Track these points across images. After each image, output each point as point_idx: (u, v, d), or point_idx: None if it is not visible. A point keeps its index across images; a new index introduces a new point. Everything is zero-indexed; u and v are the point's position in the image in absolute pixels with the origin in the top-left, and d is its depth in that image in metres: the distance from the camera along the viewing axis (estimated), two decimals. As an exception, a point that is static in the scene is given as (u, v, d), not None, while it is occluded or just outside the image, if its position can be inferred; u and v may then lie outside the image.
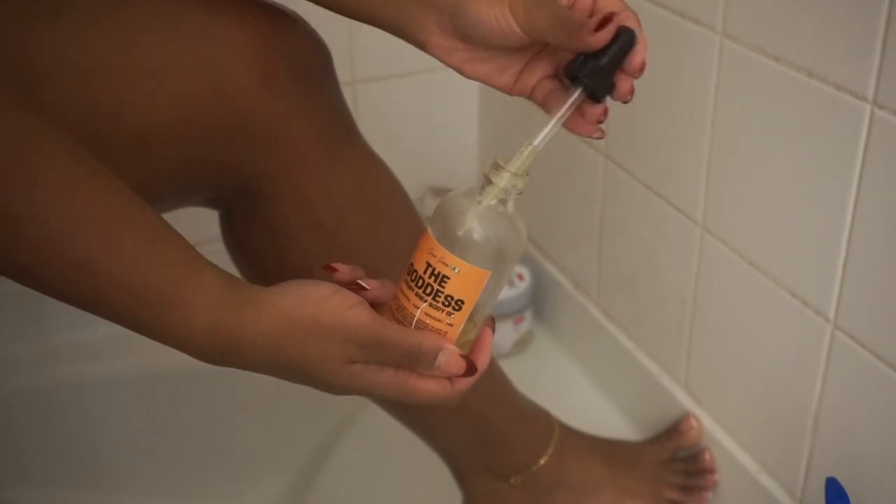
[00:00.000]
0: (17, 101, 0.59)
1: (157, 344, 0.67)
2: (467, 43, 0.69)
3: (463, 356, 0.65)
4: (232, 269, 0.87)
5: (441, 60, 0.70)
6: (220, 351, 0.63)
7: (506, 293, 1.27)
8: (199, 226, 0.99)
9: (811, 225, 0.85)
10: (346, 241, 0.82)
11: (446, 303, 0.64)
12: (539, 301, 1.34)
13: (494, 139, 1.42)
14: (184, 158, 0.74)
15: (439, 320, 0.64)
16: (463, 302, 0.64)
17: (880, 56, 0.74)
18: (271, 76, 0.75)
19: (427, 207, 1.43)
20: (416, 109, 1.39)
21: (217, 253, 0.89)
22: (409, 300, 0.64)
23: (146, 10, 0.72)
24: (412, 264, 0.64)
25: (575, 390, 1.24)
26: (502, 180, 0.63)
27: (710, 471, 1.04)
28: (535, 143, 0.64)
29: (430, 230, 0.64)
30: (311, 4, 0.79)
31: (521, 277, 1.30)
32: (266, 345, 0.63)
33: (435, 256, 0.63)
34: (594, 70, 0.64)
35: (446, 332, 0.64)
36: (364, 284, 0.67)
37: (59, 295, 0.61)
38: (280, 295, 0.63)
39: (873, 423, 0.84)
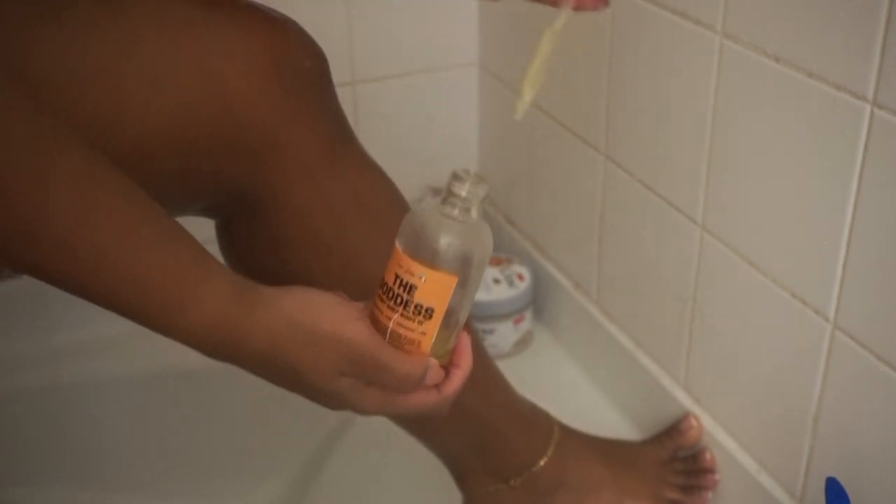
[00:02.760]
0: (30, 101, 0.60)
1: (160, 345, 0.68)
2: None
3: (442, 366, 0.69)
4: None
5: None
6: (221, 343, 0.65)
7: (506, 293, 1.27)
8: (197, 229, 0.99)
9: (811, 225, 0.85)
10: (345, 250, 0.82)
11: (417, 311, 0.66)
12: (539, 301, 1.33)
13: (494, 139, 1.41)
14: (182, 166, 0.74)
15: (412, 329, 0.67)
16: (433, 309, 0.66)
17: (880, 56, 0.74)
18: (270, 84, 0.75)
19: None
20: (416, 109, 1.39)
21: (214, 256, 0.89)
22: (382, 313, 0.67)
23: (145, 17, 0.72)
24: (383, 278, 0.67)
25: (575, 390, 1.24)
26: (463, 190, 0.66)
27: (710, 471, 1.04)
28: (556, 25, 0.69)
29: (397, 244, 0.66)
30: (308, 11, 0.78)
31: (521, 277, 1.30)
32: (266, 342, 0.65)
33: (402, 267, 0.66)
34: None
35: (420, 341, 0.67)
36: None
37: (71, 288, 0.62)
38: (286, 296, 0.66)
39: (873, 423, 0.84)
